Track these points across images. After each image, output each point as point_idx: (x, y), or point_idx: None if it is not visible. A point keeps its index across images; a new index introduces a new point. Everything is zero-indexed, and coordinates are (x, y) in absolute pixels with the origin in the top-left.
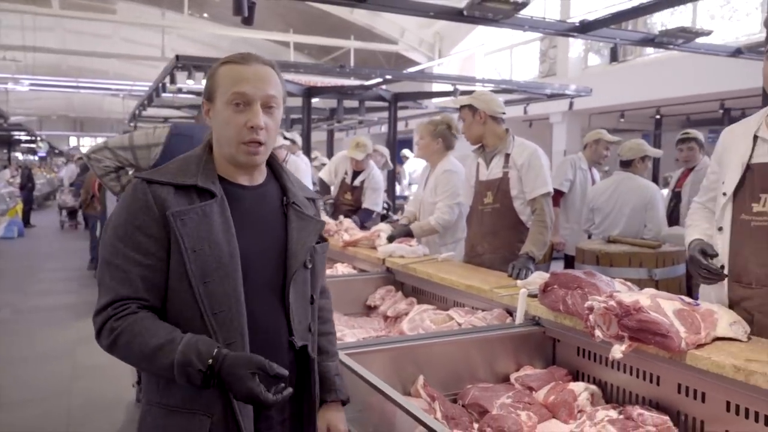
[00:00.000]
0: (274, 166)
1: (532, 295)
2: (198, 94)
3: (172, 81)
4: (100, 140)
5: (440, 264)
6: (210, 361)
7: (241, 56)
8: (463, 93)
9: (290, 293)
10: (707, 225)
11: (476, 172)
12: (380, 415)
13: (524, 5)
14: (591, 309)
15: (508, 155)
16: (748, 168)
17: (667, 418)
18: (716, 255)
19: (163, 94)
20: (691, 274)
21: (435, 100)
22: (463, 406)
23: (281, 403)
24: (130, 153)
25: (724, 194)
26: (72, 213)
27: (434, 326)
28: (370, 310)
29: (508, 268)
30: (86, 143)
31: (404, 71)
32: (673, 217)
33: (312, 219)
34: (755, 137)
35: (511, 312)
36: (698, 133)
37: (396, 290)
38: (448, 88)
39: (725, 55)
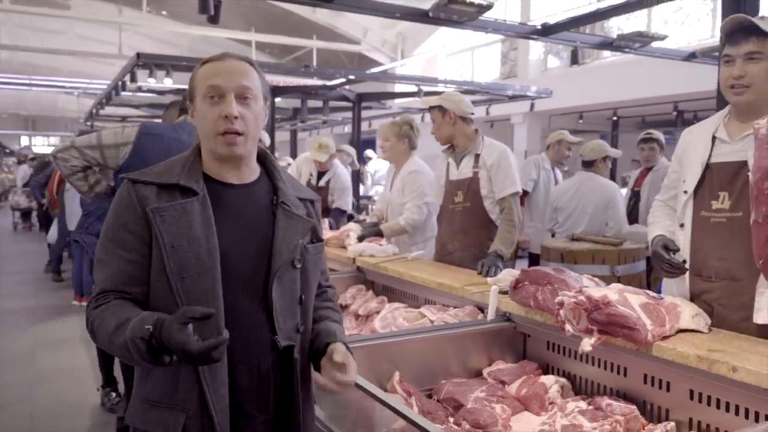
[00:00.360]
0: (266, 165)
1: (502, 292)
2: (159, 92)
3: (133, 79)
4: (53, 140)
5: (410, 263)
6: (149, 327)
7: (219, 55)
8: (427, 94)
9: (273, 292)
10: (669, 222)
11: (446, 172)
12: (359, 411)
13: (488, 8)
14: (561, 304)
15: (477, 155)
16: (708, 167)
17: (634, 407)
18: (678, 250)
19: (123, 93)
20: (654, 269)
21: (398, 101)
22: (438, 401)
23: (207, 351)
24: (98, 152)
25: (686, 192)
26: (25, 215)
27: (407, 324)
28: (341, 309)
29: (477, 266)
30: (38, 143)
31: (368, 71)
32: (633, 215)
33: (300, 218)
34: (713, 138)
35: (482, 308)
36: (660, 134)
37: (367, 289)
38: (412, 88)
39: (679, 59)
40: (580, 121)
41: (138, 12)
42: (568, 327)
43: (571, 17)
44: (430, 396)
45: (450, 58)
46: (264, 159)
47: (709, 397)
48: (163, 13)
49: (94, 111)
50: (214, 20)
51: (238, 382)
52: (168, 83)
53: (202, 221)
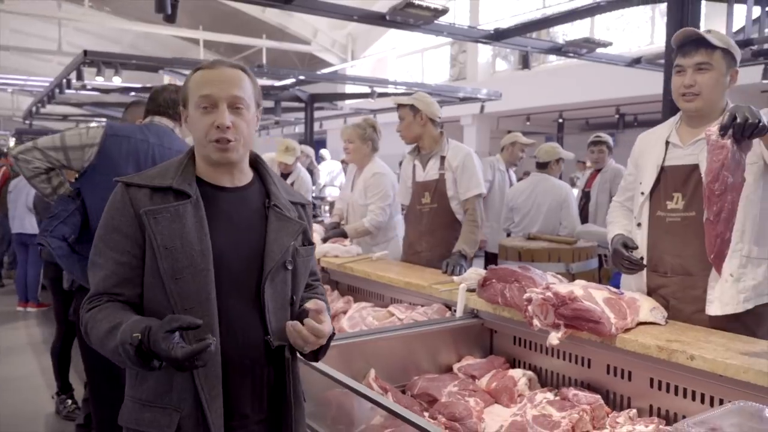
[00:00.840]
0: (259, 169)
1: (470, 290)
2: (104, 91)
3: (79, 77)
4: None
5: (376, 263)
6: (137, 335)
7: (211, 62)
8: (381, 95)
9: (266, 293)
10: (626, 221)
11: (413, 174)
12: (338, 406)
13: (443, 12)
14: (530, 300)
15: (443, 157)
16: (662, 170)
17: (598, 396)
18: (636, 248)
19: (67, 91)
20: (606, 265)
21: (349, 102)
22: (412, 396)
23: (190, 358)
24: (62, 154)
25: (642, 193)
26: None
27: (377, 323)
28: None
29: (442, 266)
30: None
31: (319, 72)
32: (583, 214)
33: (292, 221)
34: (667, 143)
35: (449, 306)
36: (608, 137)
37: (332, 290)
38: (364, 89)
39: (623, 65)
40: (528, 123)
41: (80, 7)
42: (536, 322)
43: (523, 23)
44: (404, 392)
45: (400, 60)
46: (257, 164)
47: (668, 385)
48: (106, 9)
49: (35, 109)
50: (170, 19)
51: (232, 382)
52: (116, 82)
53: (195, 223)
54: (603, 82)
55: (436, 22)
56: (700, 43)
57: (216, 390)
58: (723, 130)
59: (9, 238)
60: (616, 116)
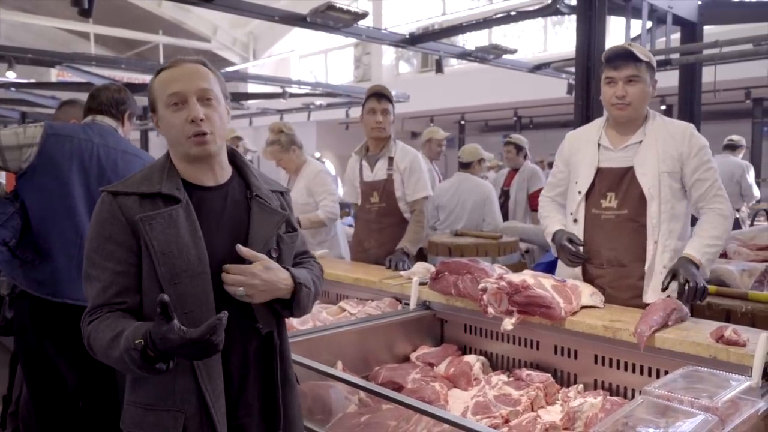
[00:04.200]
0: (237, 163)
1: (422, 283)
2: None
3: None
4: None
5: (320, 260)
6: (140, 341)
7: (172, 61)
8: (292, 96)
9: None
10: (561, 216)
11: (360, 174)
12: (314, 398)
13: (363, 16)
14: (485, 290)
15: (391, 158)
16: (598, 171)
17: (548, 375)
18: (582, 244)
19: None
20: (559, 258)
21: (253, 102)
22: (378, 384)
23: (208, 335)
24: None
25: (579, 192)
26: None
27: (331, 318)
28: None
29: (385, 262)
30: None
31: (222, 71)
32: (503, 211)
33: (275, 211)
34: (598, 145)
35: (399, 299)
36: (520, 139)
37: None
38: (269, 89)
39: (527, 71)
40: (431, 124)
41: None
42: (490, 310)
43: (437, 29)
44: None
45: (303, 60)
46: (234, 158)
47: (611, 360)
48: None
49: None
50: (86, 14)
51: (233, 375)
52: (11, 77)
53: (189, 227)
54: (503, 87)
55: (355, 25)
56: (629, 57)
57: (219, 388)
58: (679, 298)
59: None
60: (514, 119)
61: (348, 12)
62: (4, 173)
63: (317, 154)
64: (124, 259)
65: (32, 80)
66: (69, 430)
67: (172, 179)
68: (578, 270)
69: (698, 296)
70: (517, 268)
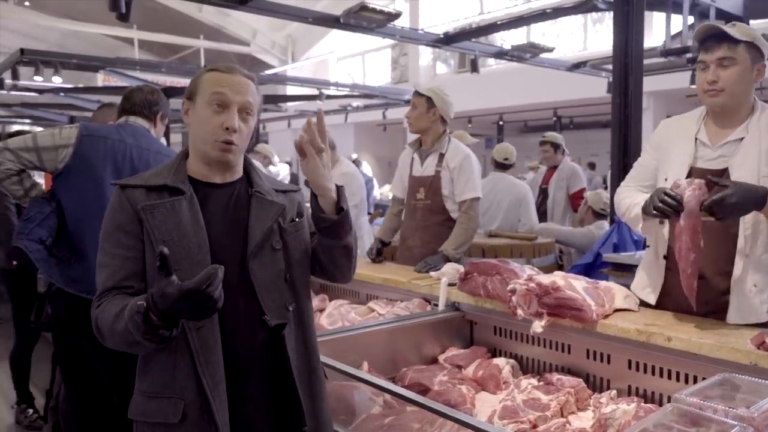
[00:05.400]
0: (246, 167)
1: (451, 284)
2: (38, 91)
3: (15, 76)
4: None
5: None
6: (142, 303)
7: (226, 66)
8: (327, 97)
9: (253, 273)
10: (645, 196)
11: (410, 168)
12: (338, 398)
13: (397, 16)
14: (513, 291)
15: (442, 155)
16: (691, 170)
17: (580, 380)
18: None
19: (1, 91)
20: (650, 208)
21: (292, 104)
22: (404, 386)
23: (203, 284)
24: (34, 155)
25: None
26: None
27: (360, 318)
28: None
29: (417, 266)
30: None
31: (260, 74)
32: (541, 211)
33: (272, 202)
34: (696, 139)
35: (428, 300)
36: (555, 136)
37: None
38: (307, 91)
39: (564, 69)
40: (469, 125)
41: (3, 3)
42: (519, 312)
43: (472, 28)
44: (394, 383)
45: (341, 62)
46: (246, 162)
47: (645, 365)
48: (26, 4)
49: None
50: (124, 18)
51: (238, 366)
52: (57, 81)
53: (191, 217)
54: (542, 86)
55: (389, 25)
56: (722, 37)
57: (218, 375)
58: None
59: None
60: (554, 119)
61: (381, 12)
62: (42, 173)
63: (354, 156)
64: (131, 246)
65: (80, 85)
66: (104, 424)
67: (179, 174)
68: (659, 278)
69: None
70: (551, 270)
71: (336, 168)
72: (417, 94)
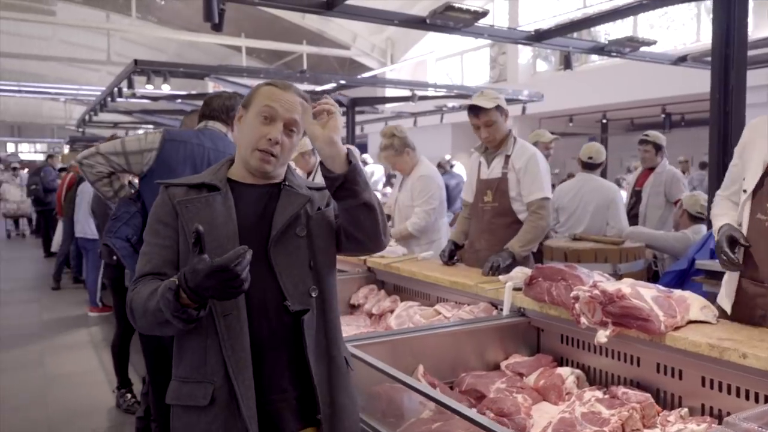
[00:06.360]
0: (285, 174)
1: (516, 288)
2: (153, 99)
3: (130, 85)
4: (39, 146)
5: (421, 263)
6: (174, 280)
7: (283, 83)
8: (420, 98)
9: (275, 259)
10: (734, 213)
11: (478, 170)
12: (389, 401)
13: (483, 15)
14: (576, 298)
15: (508, 156)
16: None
17: (648, 395)
18: (748, 245)
19: (119, 99)
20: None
21: (390, 105)
22: (460, 392)
23: (231, 262)
24: (123, 158)
25: (745, 191)
26: (17, 222)
27: (424, 321)
28: (353, 308)
29: (484, 266)
30: (25, 149)
31: (359, 77)
32: (632, 214)
33: (300, 194)
34: None
35: (496, 305)
36: (658, 136)
37: (378, 289)
38: (403, 93)
39: (668, 63)
40: (571, 124)
41: (127, 18)
42: (583, 320)
43: (563, 23)
44: (452, 388)
45: (439, 63)
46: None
47: (720, 384)
48: (152, 19)
49: (87, 117)
50: (218, 28)
51: (265, 354)
52: (166, 89)
53: (224, 211)
54: (648, 81)
55: (476, 24)
56: None
57: (243, 361)
58: None
59: (72, 241)
60: (663, 116)
61: (468, 11)
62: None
63: (447, 157)
64: (168, 236)
65: (193, 92)
66: None
67: (219, 174)
68: (733, 287)
69: None
70: (640, 277)
71: (415, 170)
72: (484, 110)
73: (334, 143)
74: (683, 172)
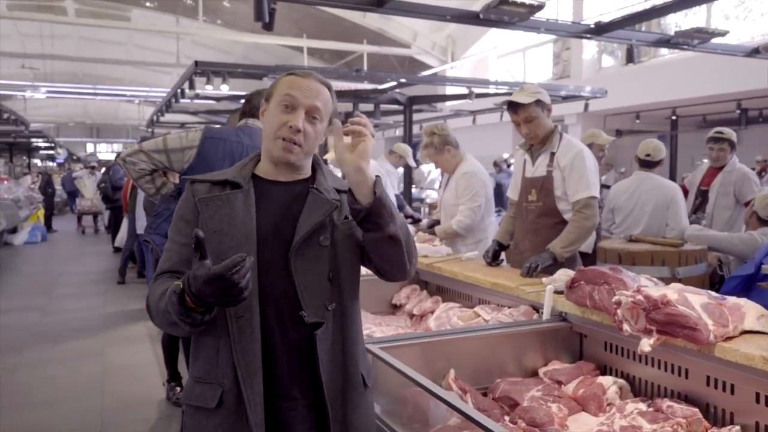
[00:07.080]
0: (315, 167)
1: (558, 292)
2: (216, 99)
3: (191, 87)
4: (116, 146)
5: (464, 263)
6: (179, 283)
7: (303, 72)
8: (479, 96)
9: (295, 267)
10: None
11: (522, 169)
12: (415, 406)
13: (540, 8)
14: (618, 303)
15: (553, 154)
16: None
17: (696, 410)
18: None
19: (182, 100)
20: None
21: (449, 103)
22: (493, 399)
23: (229, 270)
24: (164, 156)
25: None
26: (93, 217)
27: (462, 323)
28: (395, 308)
29: (523, 266)
30: (103, 149)
31: (417, 75)
32: (697, 215)
33: (327, 199)
34: None
35: (537, 308)
36: (731, 133)
37: (420, 289)
38: (462, 90)
39: (742, 55)
40: (637, 120)
41: (194, 21)
42: (625, 327)
43: (625, 15)
44: (485, 394)
45: (501, 60)
46: (316, 165)
47: None
48: (218, 22)
49: (155, 118)
50: (268, 27)
51: (278, 362)
52: (224, 90)
53: (244, 210)
54: (722, 75)
55: (532, 18)
56: None
57: (253, 366)
58: None
59: (135, 237)
60: (738, 111)
61: (522, 5)
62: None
63: (505, 155)
64: (188, 234)
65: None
66: None
67: (245, 172)
68: None
69: None
70: (701, 281)
71: (459, 167)
72: (522, 106)
73: (361, 171)
74: (762, 172)
